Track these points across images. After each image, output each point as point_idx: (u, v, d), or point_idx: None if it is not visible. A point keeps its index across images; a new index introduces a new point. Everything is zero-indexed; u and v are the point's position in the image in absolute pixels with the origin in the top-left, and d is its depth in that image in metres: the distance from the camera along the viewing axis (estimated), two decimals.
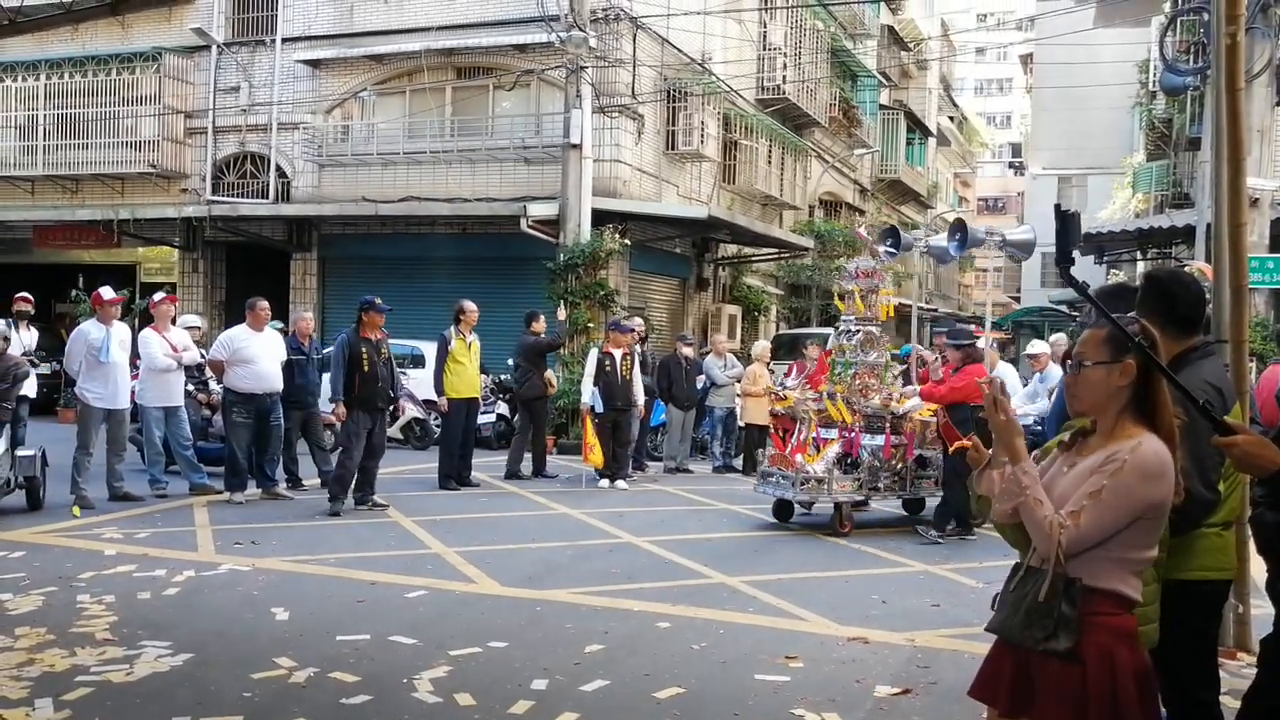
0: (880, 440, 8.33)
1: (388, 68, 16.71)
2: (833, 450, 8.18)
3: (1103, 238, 18.89)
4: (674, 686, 4.40)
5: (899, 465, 8.40)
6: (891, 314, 8.69)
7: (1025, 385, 10.43)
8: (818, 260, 21.15)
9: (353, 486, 8.58)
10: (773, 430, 9.05)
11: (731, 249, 19.50)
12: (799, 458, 8.20)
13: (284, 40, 17.17)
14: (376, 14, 16.73)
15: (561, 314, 12.35)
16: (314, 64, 17.00)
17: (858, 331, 8.47)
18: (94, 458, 8.57)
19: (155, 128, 17.66)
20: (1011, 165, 58.64)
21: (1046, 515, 2.33)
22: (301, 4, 17.24)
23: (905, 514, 9.07)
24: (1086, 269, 23.00)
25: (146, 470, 9.13)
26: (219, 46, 17.53)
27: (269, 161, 17.39)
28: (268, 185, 17.33)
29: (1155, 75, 22.19)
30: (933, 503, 8.53)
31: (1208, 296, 3.95)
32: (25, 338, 10.41)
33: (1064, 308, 27.15)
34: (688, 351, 12.22)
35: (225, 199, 17.44)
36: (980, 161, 54.68)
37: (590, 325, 14.29)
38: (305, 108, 17.14)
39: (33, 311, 11.15)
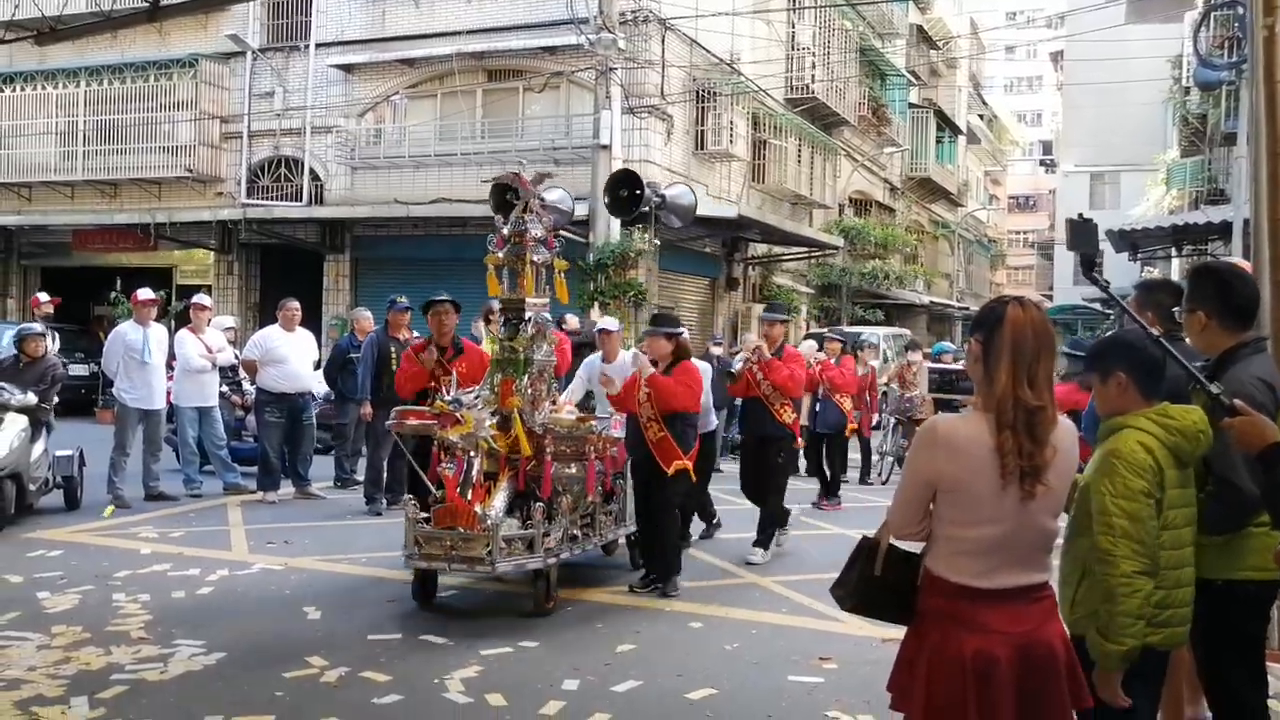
0: (573, 469, 5.92)
1: (419, 71, 16.81)
2: (502, 493, 5.60)
3: (1137, 235, 18.59)
4: (706, 687, 4.37)
5: (592, 501, 6.05)
6: (565, 293, 6.31)
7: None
8: (847, 260, 21.00)
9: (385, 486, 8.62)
10: (443, 471, 5.66)
11: (761, 248, 19.42)
12: (478, 507, 5.42)
13: (317, 45, 17.32)
14: (408, 19, 16.84)
15: (595, 314, 12.32)
16: (347, 69, 17.15)
17: (528, 320, 5.93)
18: (130, 458, 8.68)
19: (192, 133, 17.89)
20: (1042, 163, 57.92)
21: None
22: (334, 10, 17.39)
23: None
24: (1121, 266, 22.66)
25: (181, 470, 9.25)
26: (254, 52, 17.72)
27: (303, 165, 17.56)
28: (301, 188, 17.51)
29: (1189, 70, 21.83)
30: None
31: None
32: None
33: (1097, 305, 26.77)
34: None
35: (260, 202, 17.63)
36: (1011, 159, 54.10)
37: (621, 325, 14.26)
38: (338, 112, 17.29)
39: (52, 313, 11.11)
